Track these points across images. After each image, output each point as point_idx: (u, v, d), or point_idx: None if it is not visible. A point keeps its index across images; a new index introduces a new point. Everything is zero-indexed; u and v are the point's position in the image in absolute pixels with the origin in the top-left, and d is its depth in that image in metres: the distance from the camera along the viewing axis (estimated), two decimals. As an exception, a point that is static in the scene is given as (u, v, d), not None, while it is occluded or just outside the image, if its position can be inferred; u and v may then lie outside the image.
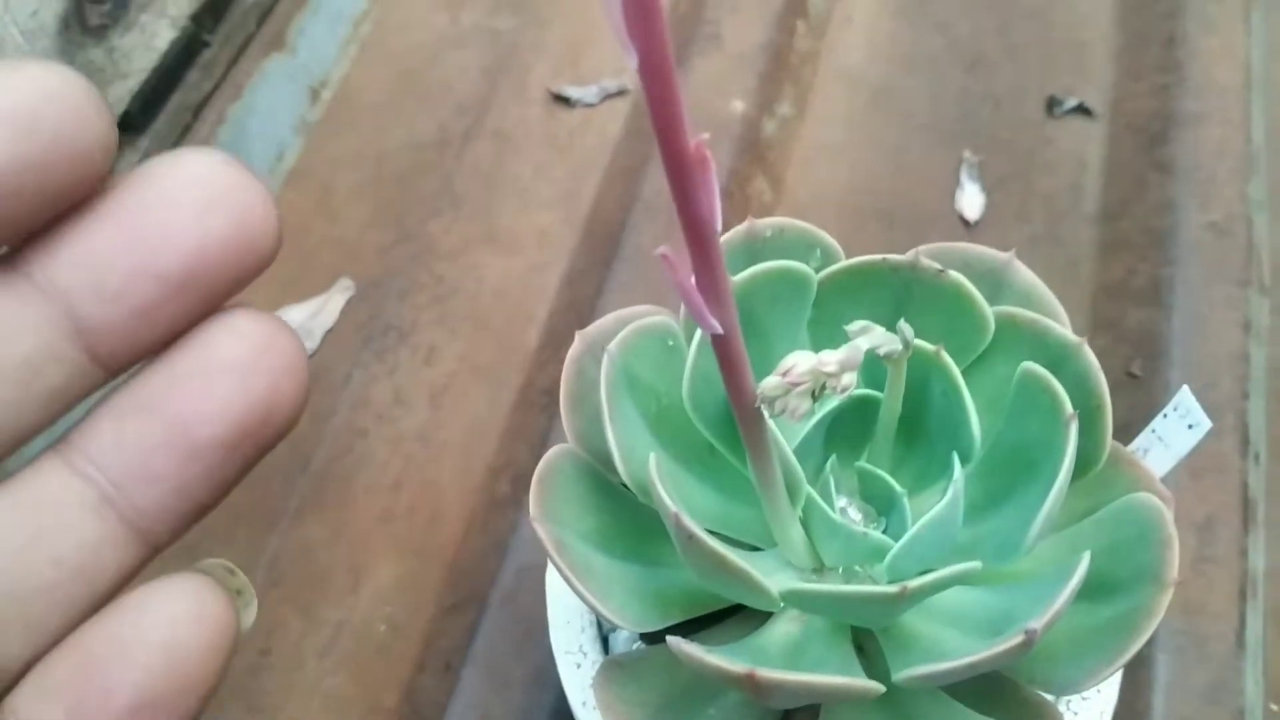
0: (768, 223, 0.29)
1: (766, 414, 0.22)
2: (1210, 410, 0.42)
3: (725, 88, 0.50)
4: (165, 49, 0.44)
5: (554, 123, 0.52)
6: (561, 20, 0.56)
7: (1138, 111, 0.53)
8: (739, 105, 0.50)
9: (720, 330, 0.20)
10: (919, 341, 0.25)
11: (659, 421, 0.28)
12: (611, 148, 0.52)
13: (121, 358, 0.19)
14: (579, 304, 0.46)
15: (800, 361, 0.21)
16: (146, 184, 0.19)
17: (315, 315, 0.46)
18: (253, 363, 0.19)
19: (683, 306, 0.29)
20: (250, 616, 0.21)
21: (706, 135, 0.17)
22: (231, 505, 0.41)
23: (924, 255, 0.28)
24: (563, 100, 0.53)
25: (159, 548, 0.20)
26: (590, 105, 0.53)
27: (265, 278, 0.49)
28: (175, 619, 0.19)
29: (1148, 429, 0.29)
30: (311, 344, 0.46)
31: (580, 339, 0.29)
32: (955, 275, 0.27)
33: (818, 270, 0.28)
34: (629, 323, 0.29)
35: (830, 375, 0.21)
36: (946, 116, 0.53)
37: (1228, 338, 0.45)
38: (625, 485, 0.26)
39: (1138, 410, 0.43)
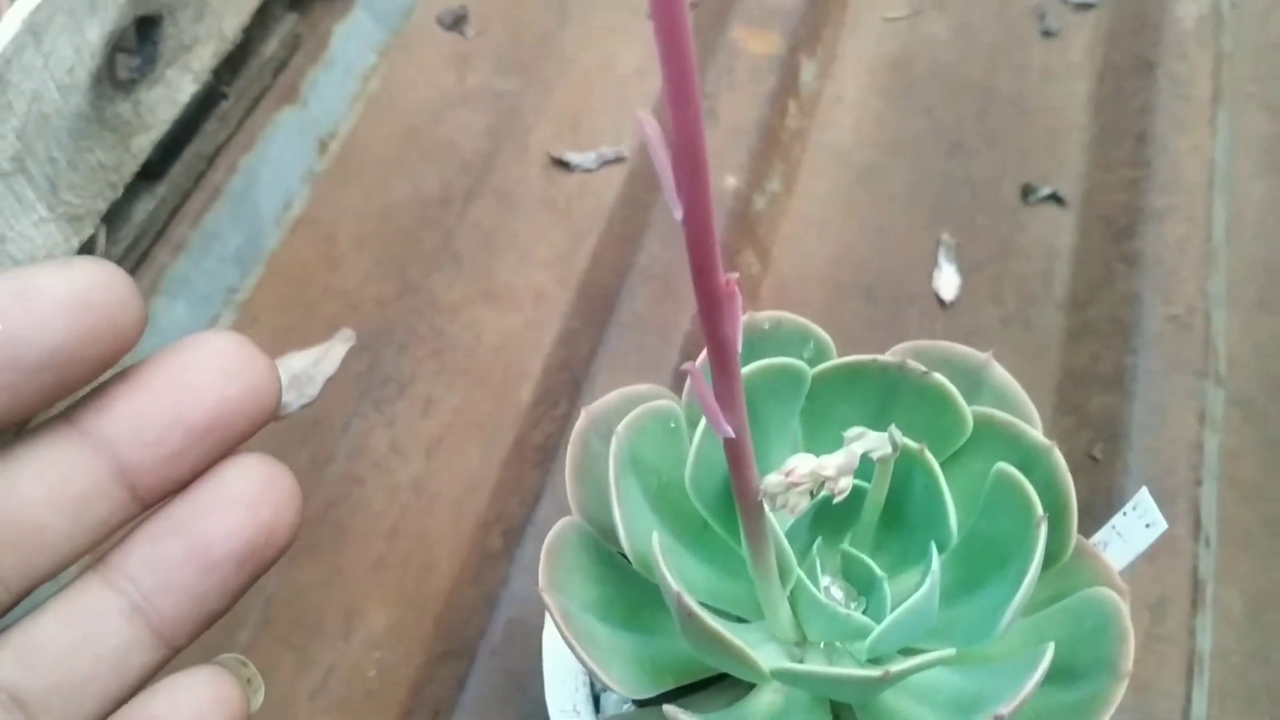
0: (766, 316, 0.31)
1: (767, 507, 0.24)
2: (1165, 495, 0.45)
3: (719, 163, 0.52)
4: (186, 102, 0.45)
5: (553, 186, 0.55)
6: (564, 86, 0.58)
7: (1108, 203, 0.55)
8: (732, 180, 0.52)
9: (733, 435, 0.22)
10: (905, 439, 0.27)
11: (659, 498, 0.30)
12: (607, 213, 0.54)
13: (155, 492, 0.24)
14: (572, 364, 0.48)
15: (801, 464, 0.23)
16: (179, 356, 0.23)
17: (317, 363, 0.48)
18: (259, 495, 0.24)
19: (685, 390, 0.31)
20: (258, 701, 0.25)
21: (736, 274, 0.19)
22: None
23: (908, 352, 0.31)
24: (562, 164, 0.55)
25: (177, 649, 0.24)
26: (588, 170, 0.55)
27: (269, 325, 0.51)
28: (200, 703, 0.23)
29: (1108, 525, 0.31)
30: (312, 391, 0.47)
31: (586, 415, 0.31)
32: (938, 377, 0.29)
33: (811, 362, 0.31)
34: (631, 400, 0.31)
35: (829, 478, 0.23)
36: (927, 198, 0.56)
37: (1184, 426, 0.47)
38: (624, 555, 0.28)
39: (1098, 492, 0.46)
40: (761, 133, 0.54)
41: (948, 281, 0.53)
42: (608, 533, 0.29)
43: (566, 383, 0.47)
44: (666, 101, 0.15)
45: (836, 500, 0.24)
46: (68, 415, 0.24)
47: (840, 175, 0.56)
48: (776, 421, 0.30)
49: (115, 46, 0.40)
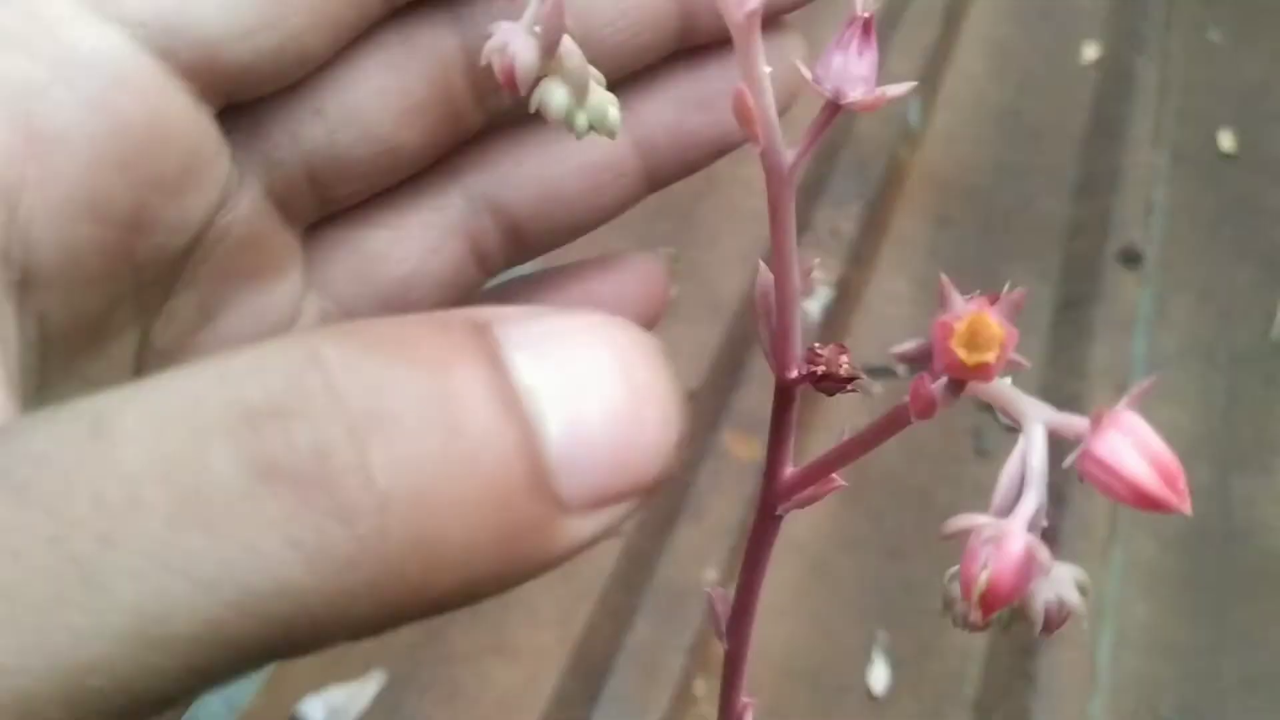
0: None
1: None
2: None
3: (701, 557, 0.63)
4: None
5: (561, 550, 0.65)
6: (579, 458, 0.69)
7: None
8: (711, 573, 0.63)
9: None
10: None
11: None
12: (604, 580, 0.64)
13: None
14: (564, 730, 0.57)
15: None
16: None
17: (352, 699, 0.57)
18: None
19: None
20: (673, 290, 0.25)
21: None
22: None
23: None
24: (571, 532, 0.66)
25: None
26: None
27: (314, 657, 0.60)
28: (625, 284, 0.24)
29: None
30: (345, 726, 0.56)
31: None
32: None
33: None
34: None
35: None
36: (868, 596, 0.67)
37: (1058, 839, 0.58)
38: None
39: None
40: (741, 531, 0.65)
41: (879, 676, 0.64)
42: None
43: (557, 747, 0.56)
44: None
45: None
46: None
47: (797, 566, 0.68)
48: None
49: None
